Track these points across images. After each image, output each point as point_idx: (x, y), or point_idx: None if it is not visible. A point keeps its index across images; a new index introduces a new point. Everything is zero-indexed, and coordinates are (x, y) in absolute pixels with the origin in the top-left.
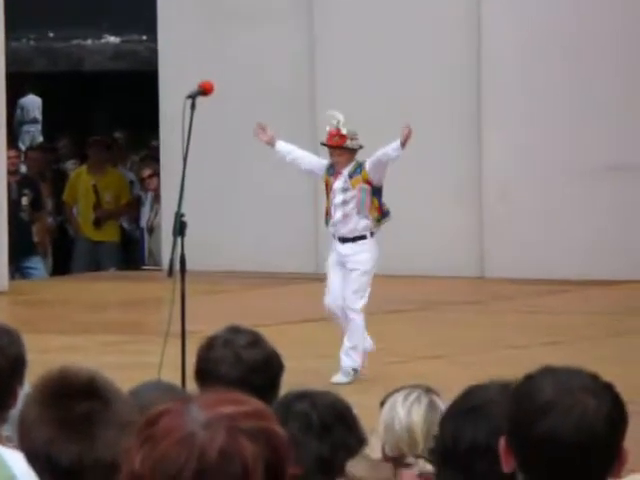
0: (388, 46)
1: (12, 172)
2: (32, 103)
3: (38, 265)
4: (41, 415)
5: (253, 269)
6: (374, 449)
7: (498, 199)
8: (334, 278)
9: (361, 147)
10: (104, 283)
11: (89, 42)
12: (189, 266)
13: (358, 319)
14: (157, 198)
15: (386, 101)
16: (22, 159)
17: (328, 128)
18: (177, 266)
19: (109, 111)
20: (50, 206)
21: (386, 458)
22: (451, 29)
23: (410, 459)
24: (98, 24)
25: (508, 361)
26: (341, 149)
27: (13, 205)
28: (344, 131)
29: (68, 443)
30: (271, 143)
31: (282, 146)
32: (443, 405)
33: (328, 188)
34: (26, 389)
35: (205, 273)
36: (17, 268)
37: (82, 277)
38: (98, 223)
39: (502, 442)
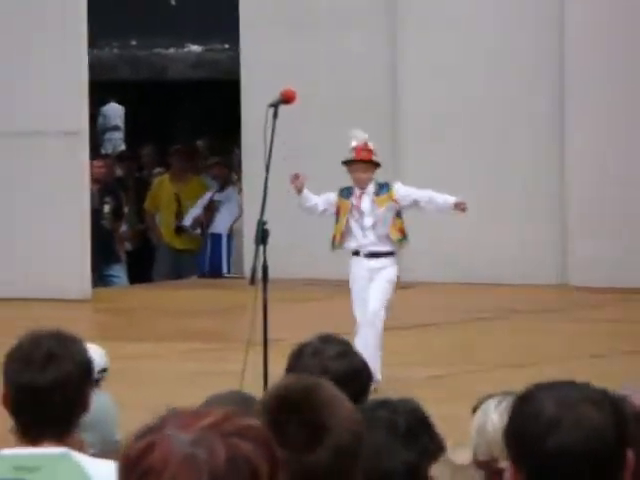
0: (469, 51)
1: (97, 180)
2: (114, 111)
3: (120, 273)
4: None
5: (337, 277)
6: (459, 456)
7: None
8: (363, 292)
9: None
10: (186, 291)
11: (171, 50)
12: (272, 274)
13: (379, 324)
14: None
15: (466, 110)
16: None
17: (354, 144)
18: (259, 274)
19: (191, 119)
20: (128, 214)
21: (478, 463)
22: (534, 32)
23: (503, 463)
24: (180, 32)
25: (591, 370)
26: (368, 164)
27: (95, 213)
28: (371, 146)
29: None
30: (300, 190)
31: (305, 194)
32: None
33: (343, 210)
34: (102, 396)
35: (288, 281)
36: (99, 276)
37: (164, 285)
38: (179, 231)
39: (509, 464)
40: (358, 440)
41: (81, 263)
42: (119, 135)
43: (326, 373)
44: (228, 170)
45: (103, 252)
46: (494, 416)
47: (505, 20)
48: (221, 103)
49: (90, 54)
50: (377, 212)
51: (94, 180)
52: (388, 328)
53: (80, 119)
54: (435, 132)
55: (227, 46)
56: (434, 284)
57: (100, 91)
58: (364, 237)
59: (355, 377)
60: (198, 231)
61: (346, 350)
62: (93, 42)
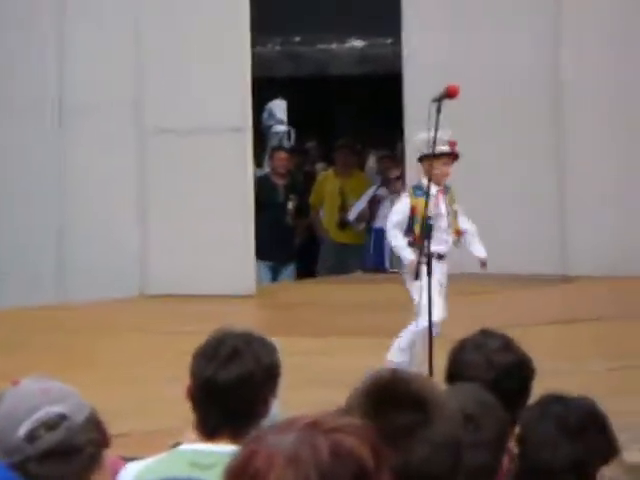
0: None
1: (281, 174)
2: (277, 106)
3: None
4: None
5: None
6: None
7: None
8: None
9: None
10: (350, 285)
11: (334, 46)
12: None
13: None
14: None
15: None
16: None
17: (447, 137)
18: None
19: (353, 114)
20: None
21: None
22: None
23: None
24: (342, 28)
25: None
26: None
27: (280, 208)
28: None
29: None
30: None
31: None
32: None
33: (418, 210)
34: (275, 402)
35: (458, 275)
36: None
37: (328, 280)
38: (343, 226)
39: None
40: (458, 441)
41: (246, 260)
42: (284, 128)
43: (491, 365)
44: (395, 165)
45: (283, 250)
46: None
47: None
48: (381, 98)
49: (253, 52)
50: (450, 213)
51: (279, 174)
52: (557, 322)
53: (244, 115)
54: None
55: (390, 41)
56: None
57: (263, 88)
58: (444, 240)
59: (520, 369)
60: (362, 226)
61: (508, 343)
62: (256, 39)
